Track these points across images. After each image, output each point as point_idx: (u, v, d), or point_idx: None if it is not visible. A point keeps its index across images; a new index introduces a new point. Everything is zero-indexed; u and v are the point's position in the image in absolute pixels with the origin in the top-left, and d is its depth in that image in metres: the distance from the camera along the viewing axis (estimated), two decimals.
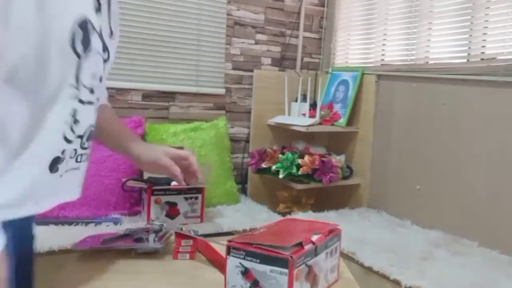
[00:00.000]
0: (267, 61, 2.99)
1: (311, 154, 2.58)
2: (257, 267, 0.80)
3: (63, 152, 0.75)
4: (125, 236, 1.11)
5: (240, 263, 0.82)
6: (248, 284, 0.81)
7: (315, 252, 0.85)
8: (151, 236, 1.08)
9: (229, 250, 0.83)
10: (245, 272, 0.81)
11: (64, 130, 0.74)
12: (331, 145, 2.96)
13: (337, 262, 0.96)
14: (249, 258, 0.81)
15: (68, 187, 0.81)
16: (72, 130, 0.75)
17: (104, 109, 0.98)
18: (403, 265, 1.84)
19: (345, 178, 2.68)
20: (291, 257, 0.78)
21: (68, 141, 0.75)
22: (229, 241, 0.84)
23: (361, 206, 2.71)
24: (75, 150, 0.78)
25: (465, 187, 2.18)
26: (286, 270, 0.77)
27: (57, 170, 0.75)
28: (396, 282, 1.75)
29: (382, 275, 1.82)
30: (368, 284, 1.86)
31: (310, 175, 2.52)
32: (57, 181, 0.76)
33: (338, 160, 2.62)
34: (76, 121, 0.75)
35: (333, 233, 0.93)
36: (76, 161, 0.80)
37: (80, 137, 0.78)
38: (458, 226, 2.18)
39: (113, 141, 1.03)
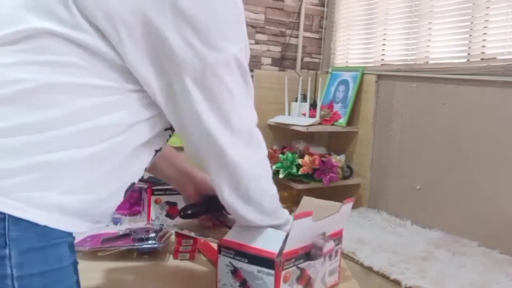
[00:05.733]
0: (267, 61, 2.99)
1: (311, 154, 2.58)
2: (245, 267, 0.80)
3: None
4: (125, 236, 1.11)
5: (230, 262, 0.81)
6: (237, 283, 0.81)
7: (308, 256, 0.83)
8: (151, 236, 1.08)
9: (220, 249, 0.83)
10: (234, 272, 0.81)
11: (151, 157, 0.74)
12: (331, 145, 2.96)
13: (338, 265, 0.95)
14: (238, 258, 0.80)
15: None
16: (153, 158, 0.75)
17: None
18: (403, 265, 1.84)
19: (345, 178, 2.68)
20: (279, 259, 0.76)
21: (145, 169, 0.75)
22: (222, 239, 0.84)
23: (361, 206, 2.71)
24: None
25: (465, 187, 2.18)
26: (272, 271, 0.77)
27: (125, 197, 0.74)
28: (396, 282, 1.75)
29: (382, 275, 1.82)
30: (368, 284, 1.86)
31: (310, 175, 2.52)
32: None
33: (338, 160, 2.62)
34: (160, 150, 0.76)
35: (334, 236, 0.91)
36: None
37: None
38: (458, 226, 2.18)
39: (173, 168, 0.99)
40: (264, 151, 0.77)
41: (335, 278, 0.94)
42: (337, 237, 0.93)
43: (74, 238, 0.66)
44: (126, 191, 0.72)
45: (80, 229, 0.65)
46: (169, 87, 0.65)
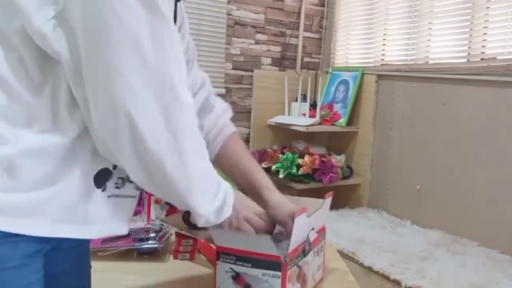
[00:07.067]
0: (267, 61, 2.99)
1: (311, 154, 2.58)
2: (248, 271, 0.79)
3: (114, 166, 0.66)
4: (125, 236, 1.11)
5: (230, 268, 0.80)
6: None
7: (303, 253, 0.84)
8: (151, 236, 1.08)
9: (218, 255, 0.82)
10: (236, 277, 0.80)
11: None
12: (331, 145, 2.96)
13: (323, 260, 0.96)
14: (240, 263, 0.79)
15: (119, 217, 0.68)
16: None
17: (235, 140, 0.92)
18: (403, 265, 1.84)
19: (345, 178, 2.68)
20: (285, 260, 0.76)
21: None
22: (219, 246, 0.82)
23: (361, 206, 2.71)
24: None
25: (465, 187, 2.18)
26: (279, 273, 0.77)
27: (104, 189, 0.65)
28: (396, 282, 1.75)
29: (382, 275, 1.82)
30: (368, 284, 1.86)
31: (310, 175, 2.52)
32: (106, 204, 0.66)
33: (338, 160, 2.62)
34: None
35: (319, 232, 0.92)
36: (136, 188, 0.69)
37: None
38: (458, 226, 2.18)
39: (243, 178, 0.90)
40: (191, 112, 0.64)
41: (320, 273, 0.95)
42: (322, 233, 0.94)
43: (38, 237, 0.60)
44: (97, 179, 0.63)
45: (27, 230, 0.58)
46: (61, 18, 0.56)
